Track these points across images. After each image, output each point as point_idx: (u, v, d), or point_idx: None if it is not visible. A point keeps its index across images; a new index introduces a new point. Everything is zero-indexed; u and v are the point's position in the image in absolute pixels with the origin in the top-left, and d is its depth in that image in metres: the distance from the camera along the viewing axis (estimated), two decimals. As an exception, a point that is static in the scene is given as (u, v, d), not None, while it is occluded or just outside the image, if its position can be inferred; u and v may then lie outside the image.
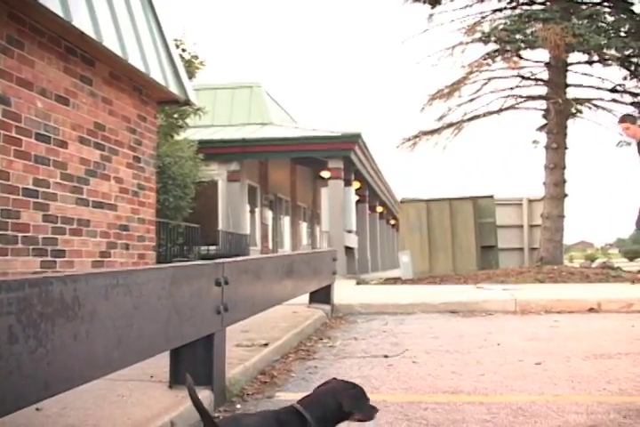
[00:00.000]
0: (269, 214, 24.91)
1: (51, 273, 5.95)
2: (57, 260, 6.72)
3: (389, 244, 40.86)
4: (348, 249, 21.55)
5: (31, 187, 6.35)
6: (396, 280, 14.59)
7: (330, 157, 20.67)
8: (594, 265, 26.27)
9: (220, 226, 19.74)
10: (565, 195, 17.30)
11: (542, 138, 17.80)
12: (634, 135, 10.17)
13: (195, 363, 3.79)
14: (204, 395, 3.71)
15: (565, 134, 17.40)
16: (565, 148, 17.38)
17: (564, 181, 17.27)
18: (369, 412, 2.62)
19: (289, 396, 4.13)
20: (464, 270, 14.53)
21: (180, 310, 3.33)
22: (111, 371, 2.81)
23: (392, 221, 42.01)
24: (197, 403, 2.28)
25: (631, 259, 58.22)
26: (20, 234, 6.19)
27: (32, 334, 2.18)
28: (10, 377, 2.09)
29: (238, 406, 4.00)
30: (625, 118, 10.39)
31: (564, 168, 17.27)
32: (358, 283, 14.35)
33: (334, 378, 2.80)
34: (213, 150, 18.49)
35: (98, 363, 2.64)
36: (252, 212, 22.94)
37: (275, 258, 6.30)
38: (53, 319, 2.29)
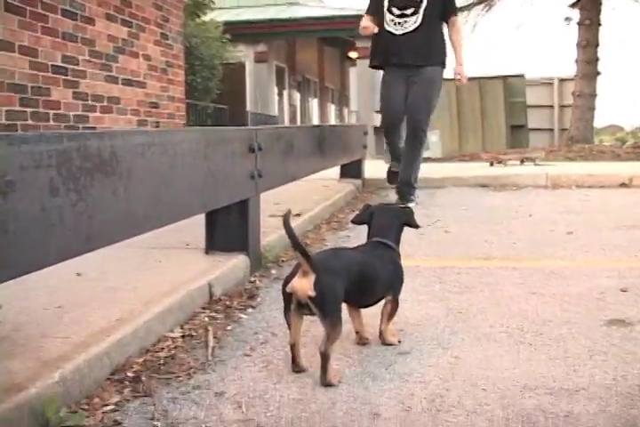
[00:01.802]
0: (297, 96, 24.74)
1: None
2: (88, 137, 6.75)
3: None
4: (377, 129, 21.43)
5: (60, 64, 6.33)
6: (425, 159, 14.51)
7: (357, 36, 20.25)
8: (625, 146, 26.02)
9: (249, 107, 19.66)
10: (598, 73, 16.97)
11: (575, 15, 17.36)
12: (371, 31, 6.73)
13: (230, 229, 3.83)
14: (240, 259, 3.78)
15: (599, 10, 16.90)
16: (599, 24, 16.91)
17: (597, 59, 16.89)
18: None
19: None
20: (494, 149, 14.42)
21: (215, 174, 3.35)
22: (148, 229, 2.85)
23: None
24: (292, 236, 2.33)
25: (662, 141, 57.64)
26: (51, 111, 6.21)
27: (72, 187, 2.20)
28: (53, 229, 2.13)
29: (273, 271, 4.06)
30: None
31: (597, 46, 16.86)
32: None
33: (368, 204, 3.03)
34: (240, 31, 18.23)
35: (136, 220, 2.67)
36: (280, 94, 22.79)
37: (307, 128, 6.29)
38: (92, 174, 2.30)
